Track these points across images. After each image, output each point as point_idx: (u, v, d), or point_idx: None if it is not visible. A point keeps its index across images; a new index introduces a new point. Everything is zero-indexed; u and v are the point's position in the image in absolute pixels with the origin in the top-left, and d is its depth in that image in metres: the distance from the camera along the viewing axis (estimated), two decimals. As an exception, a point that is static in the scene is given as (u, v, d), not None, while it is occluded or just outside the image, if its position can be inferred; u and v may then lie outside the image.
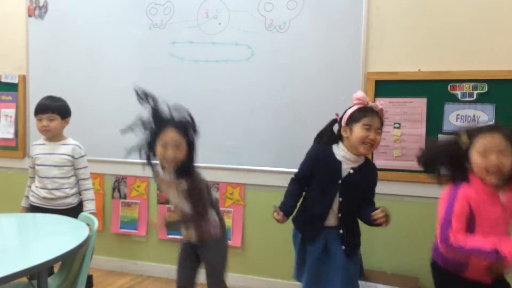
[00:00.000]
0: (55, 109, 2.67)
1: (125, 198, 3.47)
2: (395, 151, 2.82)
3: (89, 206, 2.72)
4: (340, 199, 2.09)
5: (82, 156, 2.74)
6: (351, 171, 2.09)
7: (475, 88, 2.66)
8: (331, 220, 2.12)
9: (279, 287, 3.10)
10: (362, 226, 2.97)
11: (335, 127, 2.21)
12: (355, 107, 2.10)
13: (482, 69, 2.64)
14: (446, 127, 2.70)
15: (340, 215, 2.11)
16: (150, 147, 2.12)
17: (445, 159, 1.85)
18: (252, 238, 3.18)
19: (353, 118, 2.07)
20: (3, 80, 3.72)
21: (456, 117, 2.68)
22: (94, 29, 3.46)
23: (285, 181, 3.05)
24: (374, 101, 2.82)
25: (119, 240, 3.49)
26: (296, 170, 3.05)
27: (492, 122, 2.61)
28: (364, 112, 2.07)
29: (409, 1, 2.79)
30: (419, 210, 2.80)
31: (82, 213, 2.33)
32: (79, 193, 2.77)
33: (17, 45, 3.69)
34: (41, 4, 3.60)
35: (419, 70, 2.76)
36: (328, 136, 2.18)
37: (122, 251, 3.48)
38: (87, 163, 2.78)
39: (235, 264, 3.22)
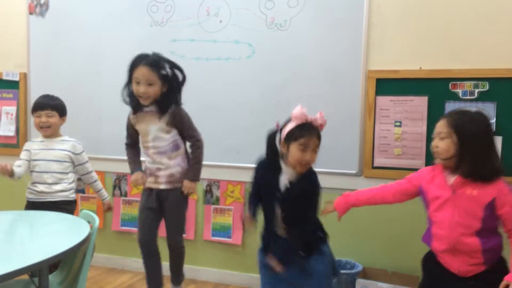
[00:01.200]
0: (53, 106, 2.69)
1: (126, 196, 3.47)
2: (396, 150, 2.82)
3: (106, 193, 2.85)
4: (283, 214, 1.99)
5: (82, 152, 2.78)
6: (288, 185, 2.00)
7: (476, 86, 2.66)
8: (281, 231, 2.03)
9: (280, 285, 3.10)
10: (364, 222, 2.98)
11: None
12: (294, 123, 2.00)
13: (483, 67, 2.64)
14: (447, 125, 2.70)
15: (286, 227, 2.02)
16: (127, 86, 2.30)
17: None
18: (253, 236, 3.18)
19: (290, 136, 1.98)
20: (4, 77, 3.73)
21: (457, 116, 2.68)
22: (95, 26, 3.46)
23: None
24: (375, 100, 2.83)
25: (120, 238, 3.50)
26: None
27: (493, 120, 2.60)
28: (301, 130, 1.98)
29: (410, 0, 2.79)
30: (420, 208, 2.79)
31: (83, 211, 2.33)
32: (76, 191, 2.80)
33: (18, 42, 3.69)
34: (42, 1, 3.60)
35: (420, 68, 2.76)
36: (270, 149, 2.08)
37: (123, 249, 3.49)
38: (86, 156, 2.82)
39: (235, 262, 3.23)
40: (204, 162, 3.21)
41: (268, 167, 2.07)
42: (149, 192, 2.46)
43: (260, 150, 3.07)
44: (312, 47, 2.97)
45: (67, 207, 2.62)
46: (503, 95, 2.61)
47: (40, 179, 2.67)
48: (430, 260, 1.95)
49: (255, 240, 3.16)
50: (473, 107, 2.65)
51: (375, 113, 2.85)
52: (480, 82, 2.64)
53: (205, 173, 3.22)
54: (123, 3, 3.38)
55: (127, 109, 3.47)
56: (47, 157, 2.67)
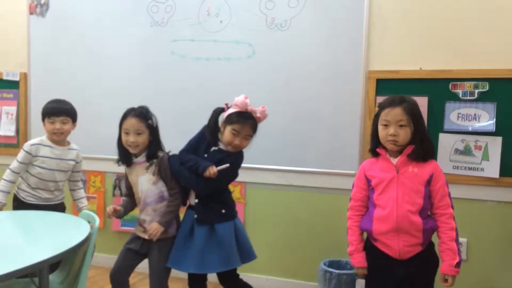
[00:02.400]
0: (68, 112, 2.67)
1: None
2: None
3: (85, 202, 2.87)
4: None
5: (81, 160, 2.83)
6: (216, 160, 2.24)
7: (476, 87, 2.66)
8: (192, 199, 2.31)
9: (279, 286, 3.11)
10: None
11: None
12: (235, 109, 2.23)
13: (484, 67, 2.64)
14: (447, 126, 2.70)
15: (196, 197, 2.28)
16: (119, 140, 2.39)
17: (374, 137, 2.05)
18: (253, 236, 3.17)
19: (228, 119, 2.25)
20: (5, 77, 3.73)
21: (457, 116, 2.68)
22: (95, 27, 3.46)
23: (285, 180, 3.06)
24: (375, 100, 2.83)
25: (120, 238, 3.50)
26: (297, 168, 3.06)
27: (493, 121, 2.61)
28: (238, 117, 2.21)
29: (410, 0, 2.78)
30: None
31: (84, 211, 2.34)
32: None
33: (19, 42, 3.69)
34: (42, 1, 3.60)
35: (420, 68, 2.76)
36: (212, 123, 2.33)
37: (123, 248, 3.48)
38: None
39: (235, 262, 3.22)
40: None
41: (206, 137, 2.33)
42: (138, 238, 2.40)
43: (260, 149, 3.08)
44: (312, 47, 2.97)
45: (58, 208, 2.71)
46: (503, 95, 2.61)
47: (44, 187, 2.67)
48: (369, 245, 2.05)
49: (256, 240, 3.17)
50: (474, 106, 2.66)
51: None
52: (480, 83, 2.65)
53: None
54: (124, 3, 3.38)
55: (128, 108, 3.47)
56: (54, 167, 2.66)
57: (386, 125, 1.94)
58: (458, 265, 1.89)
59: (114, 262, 2.40)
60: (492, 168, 2.63)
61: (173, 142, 3.32)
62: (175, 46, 3.26)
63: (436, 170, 1.95)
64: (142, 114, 2.35)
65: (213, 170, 2.16)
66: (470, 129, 2.66)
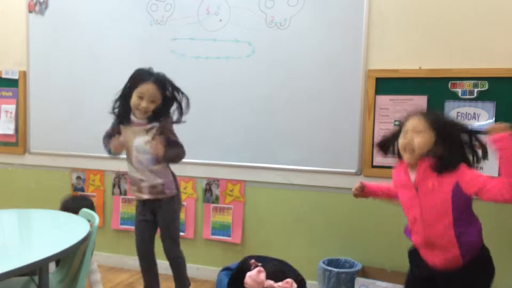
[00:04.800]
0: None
1: (125, 194, 3.47)
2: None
3: None
4: None
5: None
6: None
7: (475, 86, 2.66)
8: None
9: (279, 284, 3.11)
10: (362, 221, 2.98)
11: None
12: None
13: (483, 67, 2.64)
14: (446, 124, 2.70)
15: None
16: (124, 97, 2.33)
17: (391, 142, 1.97)
18: (252, 235, 3.19)
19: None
20: (4, 76, 3.72)
21: (456, 115, 2.69)
22: (94, 25, 3.45)
23: (285, 178, 3.07)
24: (375, 99, 2.84)
25: (120, 236, 3.50)
26: (296, 167, 3.07)
27: (492, 120, 2.61)
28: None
29: (410, -1, 2.79)
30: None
31: (83, 209, 2.34)
32: None
33: (18, 41, 3.68)
34: (41, 0, 3.59)
35: (419, 67, 2.76)
36: None
37: (122, 247, 3.49)
38: None
39: (234, 261, 3.22)
40: (203, 161, 3.23)
41: None
42: (142, 203, 2.49)
43: (260, 148, 3.09)
44: (312, 46, 2.97)
45: None
46: (503, 94, 2.61)
47: None
48: (414, 254, 1.97)
49: (255, 239, 3.18)
50: (473, 106, 2.66)
51: (374, 112, 2.85)
52: (479, 82, 2.65)
53: (204, 172, 3.24)
54: (123, 2, 3.37)
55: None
56: None
57: (405, 134, 1.85)
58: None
59: (135, 239, 2.53)
60: (492, 167, 2.63)
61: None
62: (174, 45, 3.26)
63: (460, 172, 1.76)
64: (162, 83, 2.29)
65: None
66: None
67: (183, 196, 3.30)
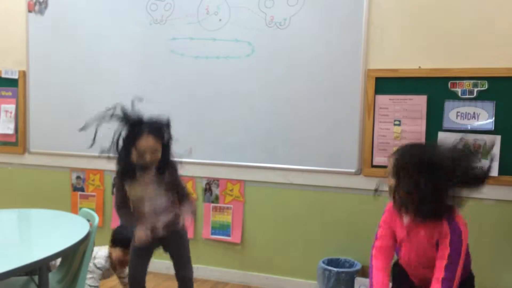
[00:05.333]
0: None
1: (125, 194, 3.47)
2: (395, 148, 2.81)
3: None
4: None
5: None
6: None
7: (475, 85, 2.66)
8: None
9: (279, 284, 3.11)
10: (362, 221, 2.99)
11: None
12: None
13: (483, 66, 2.64)
14: (446, 124, 2.70)
15: None
16: (124, 158, 2.11)
17: None
18: (252, 235, 3.19)
19: None
20: (3, 75, 3.72)
21: (456, 114, 2.69)
22: (94, 25, 3.45)
23: (285, 178, 3.07)
24: (374, 99, 2.84)
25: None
26: (296, 167, 3.06)
27: (492, 119, 2.61)
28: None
29: (410, -2, 2.79)
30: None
31: (83, 209, 2.34)
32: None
33: (17, 40, 3.68)
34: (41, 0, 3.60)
35: (419, 67, 2.76)
36: None
37: (122, 247, 3.48)
38: None
39: (234, 261, 3.23)
40: (203, 161, 3.23)
41: None
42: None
43: (260, 147, 3.09)
44: (311, 46, 2.96)
45: None
46: (502, 94, 2.61)
47: None
48: (398, 267, 1.93)
49: (255, 239, 3.18)
50: (473, 105, 2.67)
51: (374, 112, 2.85)
52: (479, 81, 2.65)
53: (204, 171, 3.24)
54: (123, 2, 3.37)
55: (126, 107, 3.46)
56: None
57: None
58: None
59: (130, 263, 2.35)
60: (492, 168, 2.64)
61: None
62: (174, 45, 3.25)
63: (443, 234, 1.68)
64: (159, 130, 2.09)
65: None
66: (469, 127, 2.66)
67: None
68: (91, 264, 2.53)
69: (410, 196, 1.68)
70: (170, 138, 2.16)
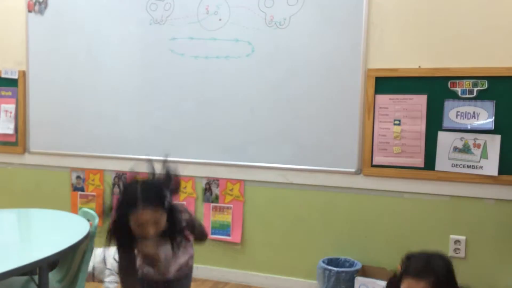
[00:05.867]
0: None
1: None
2: (395, 148, 2.82)
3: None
4: None
5: None
6: None
7: (475, 85, 2.66)
8: None
9: (279, 283, 3.11)
10: (363, 221, 2.99)
11: None
12: None
13: (483, 66, 2.64)
14: (446, 124, 2.70)
15: None
16: (121, 229, 1.73)
17: None
18: (252, 234, 3.19)
19: None
20: (3, 75, 3.72)
21: (456, 114, 2.69)
22: (94, 25, 3.45)
23: (285, 178, 3.07)
24: (374, 99, 2.84)
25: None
26: (296, 167, 3.06)
27: (492, 119, 2.61)
28: None
29: (409, -2, 2.79)
30: (419, 206, 2.81)
31: (83, 209, 2.34)
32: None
33: (17, 40, 3.68)
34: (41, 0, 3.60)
35: (419, 67, 2.76)
36: None
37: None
38: None
39: (234, 260, 3.23)
40: (203, 160, 3.23)
41: None
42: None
43: (260, 147, 3.09)
44: (311, 46, 2.96)
45: None
46: (502, 93, 2.61)
47: None
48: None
49: (255, 238, 3.18)
50: (473, 105, 2.66)
51: (374, 111, 2.85)
52: (479, 81, 2.65)
53: (204, 171, 3.24)
54: (123, 1, 3.36)
55: (127, 106, 3.47)
56: None
57: None
58: None
59: None
60: (491, 166, 2.64)
61: (172, 140, 3.34)
62: (173, 45, 3.25)
63: None
64: (156, 199, 1.70)
65: None
66: (469, 127, 2.66)
67: (182, 196, 3.31)
68: (111, 261, 2.51)
69: None
70: (170, 197, 1.76)
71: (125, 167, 3.44)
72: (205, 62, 3.18)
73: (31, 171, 3.70)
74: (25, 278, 2.07)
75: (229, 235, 3.22)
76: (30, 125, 3.69)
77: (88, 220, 2.08)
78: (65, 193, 3.61)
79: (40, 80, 3.63)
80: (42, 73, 3.62)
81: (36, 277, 1.88)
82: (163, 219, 1.73)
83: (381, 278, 2.68)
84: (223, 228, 3.23)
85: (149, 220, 1.68)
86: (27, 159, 3.71)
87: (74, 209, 3.54)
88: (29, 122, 3.69)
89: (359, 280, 2.71)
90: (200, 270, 3.27)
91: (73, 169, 3.58)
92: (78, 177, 3.57)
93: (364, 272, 2.84)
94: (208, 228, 3.26)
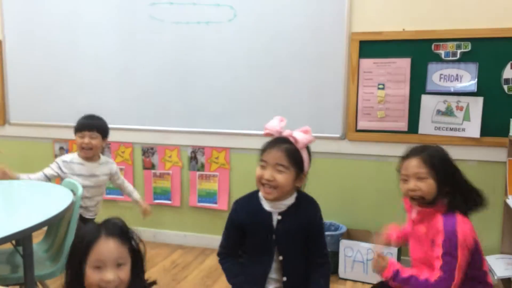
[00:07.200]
0: (99, 127, 2.55)
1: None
2: (379, 112, 2.83)
3: (137, 195, 2.78)
4: (280, 257, 1.68)
5: (117, 170, 2.70)
6: (279, 217, 1.69)
7: (458, 47, 2.65)
8: (274, 274, 1.72)
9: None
10: (348, 185, 3.01)
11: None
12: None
13: (466, 27, 2.63)
14: (429, 87, 2.71)
15: (284, 274, 1.69)
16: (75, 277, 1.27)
17: None
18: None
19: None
20: (-22, 45, 3.60)
21: (439, 77, 2.69)
22: (70, -10, 3.33)
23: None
24: (358, 63, 2.81)
25: (107, 207, 3.49)
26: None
27: (474, 81, 2.61)
28: (267, 145, 1.71)
29: (394, -42, 2.73)
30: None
31: (66, 179, 2.32)
32: None
33: (-10, 8, 3.55)
34: (13, -36, 3.44)
35: (403, 29, 2.74)
36: None
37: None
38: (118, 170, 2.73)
39: (222, 227, 3.25)
40: (188, 129, 3.21)
41: (254, 205, 1.78)
42: None
43: (244, 114, 3.06)
44: (294, 10, 2.91)
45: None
46: (485, 55, 2.62)
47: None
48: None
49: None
50: (456, 67, 2.66)
51: (358, 76, 2.84)
52: (462, 43, 2.64)
53: (189, 140, 3.22)
54: (99, -35, 3.25)
55: (106, 75, 3.40)
56: (88, 183, 2.51)
57: (405, 180, 1.68)
58: None
59: None
60: (473, 128, 2.67)
61: (155, 109, 3.29)
62: (153, 10, 3.16)
63: (435, 230, 1.61)
64: (123, 232, 1.32)
65: None
66: (452, 90, 2.67)
67: (168, 165, 3.30)
68: None
69: (448, 189, 1.67)
70: (138, 241, 1.36)
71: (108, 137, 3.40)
72: (186, 28, 3.11)
73: (12, 143, 3.64)
74: (10, 249, 2.06)
75: (215, 203, 3.24)
76: (9, 95, 3.60)
77: (72, 191, 2.06)
78: (48, 164, 3.56)
79: (17, 49, 3.52)
80: (19, 42, 3.51)
81: (20, 248, 1.87)
82: (128, 265, 1.30)
83: (366, 241, 2.73)
84: (210, 196, 3.25)
85: (111, 255, 1.25)
86: (8, 130, 3.64)
87: (57, 180, 3.51)
88: (8, 93, 3.60)
89: (344, 243, 2.77)
90: (188, 238, 3.30)
91: (56, 140, 3.53)
92: (61, 148, 3.52)
93: (349, 235, 2.90)
94: (194, 196, 3.27)
